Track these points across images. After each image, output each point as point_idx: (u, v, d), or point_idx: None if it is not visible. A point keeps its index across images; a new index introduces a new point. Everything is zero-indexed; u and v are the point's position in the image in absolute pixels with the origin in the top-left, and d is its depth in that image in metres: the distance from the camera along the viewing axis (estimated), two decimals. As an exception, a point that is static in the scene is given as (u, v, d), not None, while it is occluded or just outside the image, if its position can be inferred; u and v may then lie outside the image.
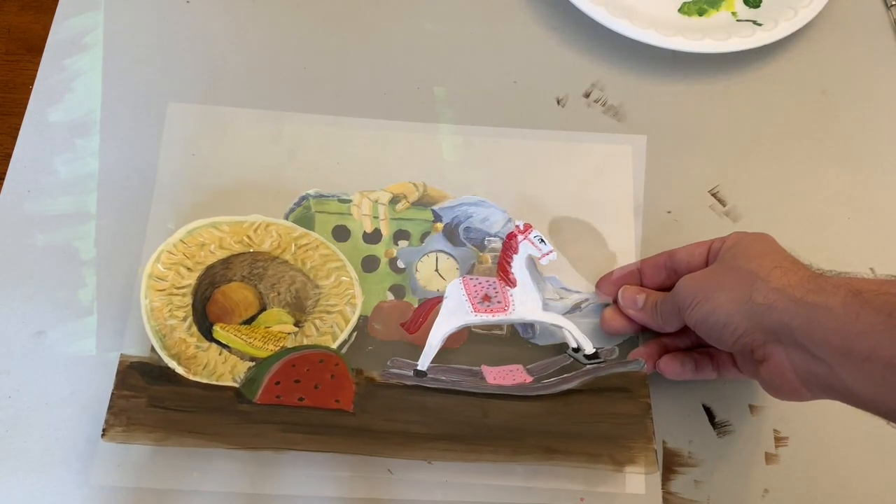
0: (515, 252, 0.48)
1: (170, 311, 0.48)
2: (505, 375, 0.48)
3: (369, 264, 0.52)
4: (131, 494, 0.45)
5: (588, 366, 0.48)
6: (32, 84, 0.56)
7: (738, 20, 0.61)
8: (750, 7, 0.61)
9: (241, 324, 0.49)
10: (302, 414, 0.45)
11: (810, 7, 0.59)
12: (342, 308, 0.49)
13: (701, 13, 0.61)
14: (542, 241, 0.48)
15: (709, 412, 0.49)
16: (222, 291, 0.50)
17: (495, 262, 0.51)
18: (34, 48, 0.58)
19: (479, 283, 0.49)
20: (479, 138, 0.56)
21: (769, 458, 0.48)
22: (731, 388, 0.49)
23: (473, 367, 0.49)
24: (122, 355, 0.47)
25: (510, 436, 0.45)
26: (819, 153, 0.57)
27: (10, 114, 0.56)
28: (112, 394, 0.45)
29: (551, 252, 0.48)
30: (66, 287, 0.50)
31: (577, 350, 0.48)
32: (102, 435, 0.44)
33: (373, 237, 0.52)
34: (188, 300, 0.48)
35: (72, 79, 0.56)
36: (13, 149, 0.54)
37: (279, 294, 0.50)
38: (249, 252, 0.50)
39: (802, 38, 0.61)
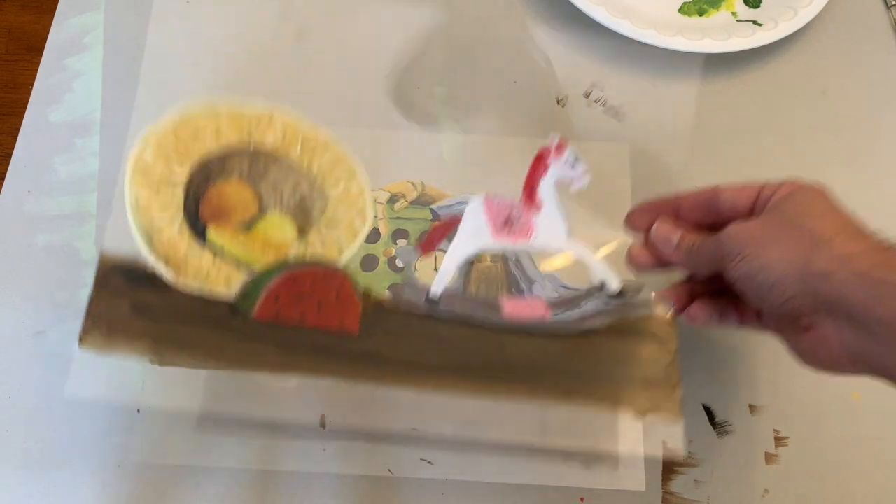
0: (545, 172, 0.44)
1: (158, 207, 0.43)
2: (523, 307, 0.45)
3: (368, 263, 0.52)
4: (132, 495, 0.45)
5: (613, 303, 0.45)
6: (32, 84, 0.56)
7: (738, 20, 0.61)
8: (750, 7, 0.61)
9: (238, 229, 0.45)
10: (303, 334, 0.42)
11: (810, 7, 0.59)
12: (351, 220, 0.44)
13: (701, 13, 0.61)
14: (578, 160, 0.44)
15: (709, 412, 0.49)
16: (217, 189, 0.45)
17: (493, 260, 0.51)
18: (34, 48, 0.58)
19: (502, 205, 0.45)
20: (479, 138, 0.56)
21: (769, 458, 0.48)
22: (731, 388, 0.49)
23: (491, 298, 0.45)
24: (102, 254, 0.42)
25: (527, 374, 0.42)
26: (819, 153, 0.57)
27: (10, 114, 0.56)
28: (90, 296, 0.41)
29: (585, 174, 0.44)
30: (66, 287, 0.50)
31: (601, 287, 0.46)
32: (80, 341, 0.40)
33: (371, 236, 0.52)
34: (179, 197, 0.44)
35: (72, 79, 0.57)
36: (13, 149, 0.54)
37: (282, 198, 0.46)
38: (249, 150, 0.45)
39: (802, 38, 0.61)
